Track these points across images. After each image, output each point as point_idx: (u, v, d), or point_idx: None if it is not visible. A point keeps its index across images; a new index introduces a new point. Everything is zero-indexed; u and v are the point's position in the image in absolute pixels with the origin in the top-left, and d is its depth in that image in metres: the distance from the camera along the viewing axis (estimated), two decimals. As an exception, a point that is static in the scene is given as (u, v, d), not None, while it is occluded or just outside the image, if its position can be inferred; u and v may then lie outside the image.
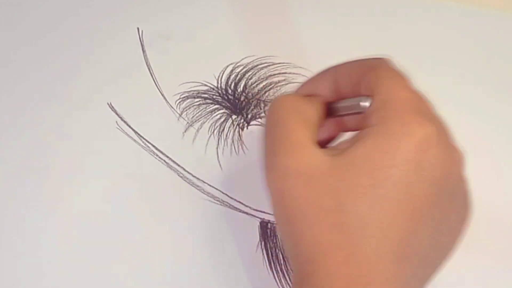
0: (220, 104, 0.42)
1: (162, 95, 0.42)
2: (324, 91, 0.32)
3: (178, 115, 0.42)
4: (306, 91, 0.33)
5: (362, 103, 0.29)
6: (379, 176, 0.27)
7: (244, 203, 0.38)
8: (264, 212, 0.38)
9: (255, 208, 0.38)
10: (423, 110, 0.29)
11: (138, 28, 0.45)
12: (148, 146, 0.41)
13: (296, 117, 0.30)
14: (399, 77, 0.30)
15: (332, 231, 0.27)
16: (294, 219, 0.28)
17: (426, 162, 0.27)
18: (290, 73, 0.44)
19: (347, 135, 0.32)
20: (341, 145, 0.29)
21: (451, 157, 0.29)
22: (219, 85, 0.43)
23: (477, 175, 0.41)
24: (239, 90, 0.43)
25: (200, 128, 0.41)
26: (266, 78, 0.43)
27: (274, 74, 0.43)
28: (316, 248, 0.27)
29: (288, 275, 0.36)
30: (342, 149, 0.28)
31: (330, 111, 0.32)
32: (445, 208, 0.29)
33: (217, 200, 0.39)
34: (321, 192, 0.27)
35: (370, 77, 0.30)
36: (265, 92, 0.42)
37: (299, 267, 0.28)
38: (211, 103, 0.42)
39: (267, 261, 0.37)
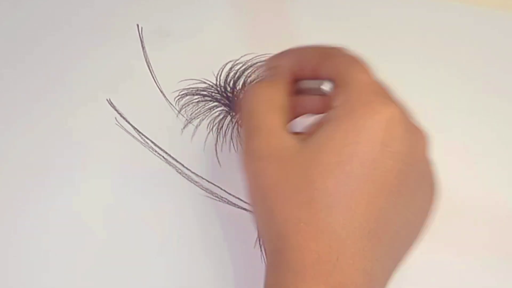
0: (219, 102, 0.42)
1: (161, 91, 0.43)
2: (288, 66, 0.33)
3: (177, 112, 0.42)
4: (271, 65, 0.34)
5: (322, 87, 0.31)
6: (344, 153, 0.28)
7: (242, 199, 0.39)
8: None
9: (253, 204, 0.38)
10: (383, 92, 0.30)
11: (137, 25, 0.45)
12: (147, 142, 0.41)
13: (267, 105, 0.31)
14: (359, 63, 0.31)
15: (301, 207, 0.28)
16: (266, 197, 0.29)
17: (391, 139, 0.28)
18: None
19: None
20: (308, 129, 0.31)
21: (415, 135, 0.29)
22: (218, 83, 0.43)
23: (477, 174, 0.41)
24: (238, 88, 0.43)
25: (199, 125, 0.41)
26: (265, 76, 0.43)
27: (273, 72, 0.43)
28: (286, 224, 0.28)
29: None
30: (309, 133, 0.30)
31: (294, 90, 0.33)
32: (412, 185, 0.29)
33: (215, 196, 0.39)
34: (291, 171, 0.28)
35: (331, 62, 0.31)
36: (264, 90, 0.43)
37: (271, 244, 0.29)
38: (210, 100, 0.42)
39: (265, 257, 0.37)
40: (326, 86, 0.31)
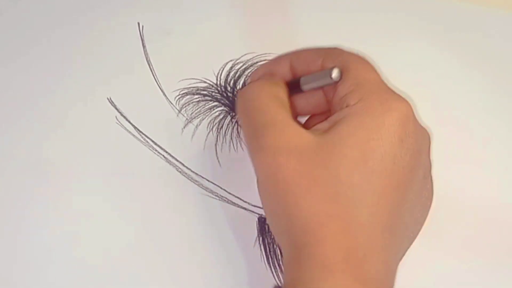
0: (219, 101, 0.42)
1: (162, 91, 0.43)
2: (282, 72, 0.34)
3: (177, 111, 0.42)
4: (263, 72, 0.35)
5: (333, 75, 0.31)
6: (367, 149, 0.28)
7: (242, 198, 0.39)
8: (262, 208, 0.38)
9: (253, 204, 0.38)
10: (392, 90, 0.31)
11: (138, 23, 0.45)
12: (147, 141, 0.41)
13: (274, 100, 0.32)
14: (364, 61, 0.32)
15: (327, 201, 0.28)
16: (288, 192, 0.29)
17: (406, 135, 0.29)
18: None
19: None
20: (319, 126, 0.31)
21: (422, 133, 0.31)
22: (218, 82, 0.43)
23: (479, 173, 0.41)
24: (238, 87, 0.43)
25: (199, 124, 0.41)
26: (266, 75, 0.43)
27: (274, 72, 0.43)
28: (312, 218, 0.28)
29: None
30: (324, 129, 0.30)
31: (291, 89, 0.33)
32: (420, 182, 0.31)
33: (215, 195, 0.39)
34: (314, 165, 0.28)
35: (335, 62, 0.31)
36: (264, 89, 0.43)
37: (293, 239, 0.29)
38: (210, 100, 0.42)
39: (264, 256, 0.37)
40: (335, 73, 0.31)
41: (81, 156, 0.40)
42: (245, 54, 0.44)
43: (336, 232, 0.27)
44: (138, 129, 0.41)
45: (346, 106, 0.30)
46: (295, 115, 0.34)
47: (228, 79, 0.43)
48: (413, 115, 0.30)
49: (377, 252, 0.28)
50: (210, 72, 0.43)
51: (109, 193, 0.39)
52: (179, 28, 0.45)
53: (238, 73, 0.43)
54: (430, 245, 0.38)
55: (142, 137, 0.41)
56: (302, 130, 0.30)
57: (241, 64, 0.44)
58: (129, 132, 0.41)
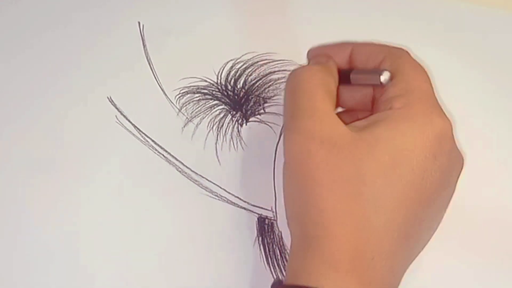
0: (220, 100, 0.42)
1: (162, 89, 0.43)
2: (338, 60, 0.34)
3: (177, 110, 0.42)
4: (321, 54, 0.35)
5: (382, 77, 0.31)
6: (399, 158, 0.28)
7: (242, 198, 0.39)
8: (261, 207, 0.38)
9: (253, 203, 0.38)
10: (439, 105, 0.31)
11: (139, 22, 0.45)
12: (147, 141, 0.41)
13: (322, 87, 0.31)
14: (421, 69, 0.32)
15: (347, 199, 0.28)
16: (311, 181, 0.28)
17: (441, 153, 0.29)
18: (290, 70, 0.43)
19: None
20: (358, 123, 0.30)
21: (458, 156, 0.31)
22: (219, 81, 0.43)
23: (478, 172, 0.41)
24: (238, 86, 0.43)
25: (199, 123, 0.41)
26: (266, 75, 0.43)
27: (274, 71, 0.43)
28: (328, 211, 0.28)
29: (285, 270, 0.37)
30: (362, 127, 0.30)
31: (341, 78, 0.34)
32: (444, 200, 0.31)
33: (215, 195, 0.39)
34: (344, 161, 0.28)
35: (394, 63, 0.31)
36: (264, 89, 0.43)
37: (305, 228, 0.29)
38: (211, 99, 0.42)
39: (264, 256, 0.37)
40: (385, 76, 0.31)
41: (81, 155, 0.40)
42: (245, 54, 0.44)
43: (348, 231, 0.27)
44: (138, 128, 0.41)
45: (390, 108, 0.30)
46: (338, 105, 0.34)
47: (229, 78, 0.43)
48: (452, 135, 0.30)
49: (386, 258, 0.28)
50: (211, 71, 0.43)
51: (109, 192, 0.39)
52: (179, 27, 0.45)
53: (239, 72, 0.43)
54: (430, 245, 0.38)
55: (142, 136, 0.41)
56: (340, 123, 0.30)
57: (242, 63, 0.43)
58: (129, 131, 0.41)
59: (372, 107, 0.34)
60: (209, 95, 0.42)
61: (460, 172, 0.31)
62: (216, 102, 0.42)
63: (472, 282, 0.37)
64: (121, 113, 0.41)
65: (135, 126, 0.41)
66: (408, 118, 0.29)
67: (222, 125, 0.41)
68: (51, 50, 0.44)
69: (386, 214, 0.28)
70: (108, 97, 0.42)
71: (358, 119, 0.31)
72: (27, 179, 0.39)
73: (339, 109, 0.37)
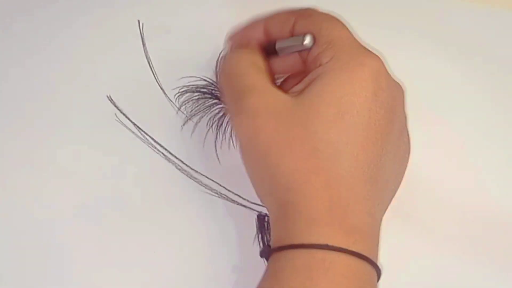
0: (219, 99, 0.42)
1: (161, 88, 0.43)
2: (256, 36, 0.35)
3: (177, 109, 0.42)
4: (240, 38, 0.36)
5: (305, 42, 0.32)
6: (342, 104, 0.29)
7: (241, 196, 0.39)
8: (261, 205, 0.38)
9: (252, 201, 0.38)
10: (364, 47, 0.32)
11: (138, 21, 0.45)
12: (146, 139, 0.41)
13: (252, 66, 0.33)
14: (335, 19, 0.33)
15: (308, 158, 0.29)
16: (269, 152, 0.30)
17: (379, 89, 0.30)
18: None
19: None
20: (295, 88, 0.32)
21: (395, 87, 0.31)
22: (218, 80, 0.43)
23: (478, 172, 0.41)
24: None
25: (199, 122, 0.41)
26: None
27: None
28: (294, 175, 0.29)
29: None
30: (300, 90, 0.31)
31: (268, 52, 0.35)
32: (397, 136, 0.31)
33: (214, 193, 0.39)
34: (292, 125, 0.29)
35: (309, 20, 0.33)
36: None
37: (278, 198, 0.30)
38: (210, 98, 0.42)
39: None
40: (308, 40, 0.32)
41: (80, 153, 0.40)
42: (245, 52, 0.44)
43: (318, 187, 0.28)
44: (138, 127, 0.41)
45: (319, 65, 0.31)
46: (273, 77, 0.35)
47: (228, 77, 0.43)
48: (385, 70, 0.31)
49: (360, 203, 0.29)
50: (210, 70, 0.43)
51: (109, 190, 0.39)
52: (179, 26, 0.45)
53: (238, 71, 0.43)
54: (430, 245, 0.38)
55: (141, 135, 0.41)
56: (280, 93, 0.31)
57: (241, 62, 0.43)
58: (129, 129, 0.41)
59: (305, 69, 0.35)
60: (209, 94, 0.42)
61: (404, 100, 0.32)
62: (215, 100, 0.42)
63: (473, 282, 0.37)
64: (121, 112, 0.42)
65: (134, 125, 0.41)
66: (339, 68, 0.30)
67: (222, 124, 0.41)
68: (50, 49, 0.44)
69: (347, 161, 0.29)
70: (107, 96, 0.42)
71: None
72: (27, 178, 0.39)
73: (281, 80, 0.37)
